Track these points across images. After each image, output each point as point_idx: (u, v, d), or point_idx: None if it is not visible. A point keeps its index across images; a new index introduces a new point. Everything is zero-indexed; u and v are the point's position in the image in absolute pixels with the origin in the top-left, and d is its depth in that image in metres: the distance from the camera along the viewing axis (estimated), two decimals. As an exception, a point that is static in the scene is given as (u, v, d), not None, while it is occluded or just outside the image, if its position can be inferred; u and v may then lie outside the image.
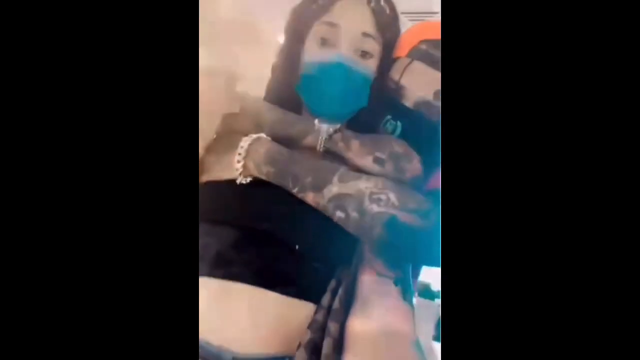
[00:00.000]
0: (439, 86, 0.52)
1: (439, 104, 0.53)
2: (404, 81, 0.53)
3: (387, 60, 0.54)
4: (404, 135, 0.54)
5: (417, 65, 0.53)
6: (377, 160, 0.48)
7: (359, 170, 0.48)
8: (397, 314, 0.42)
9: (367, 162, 0.48)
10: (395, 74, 0.54)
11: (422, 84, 0.53)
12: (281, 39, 0.56)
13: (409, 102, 0.54)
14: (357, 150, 0.49)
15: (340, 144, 0.49)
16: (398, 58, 0.54)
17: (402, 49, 0.55)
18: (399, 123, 0.54)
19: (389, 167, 0.48)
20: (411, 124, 0.53)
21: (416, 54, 0.53)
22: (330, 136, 0.49)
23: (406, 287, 0.45)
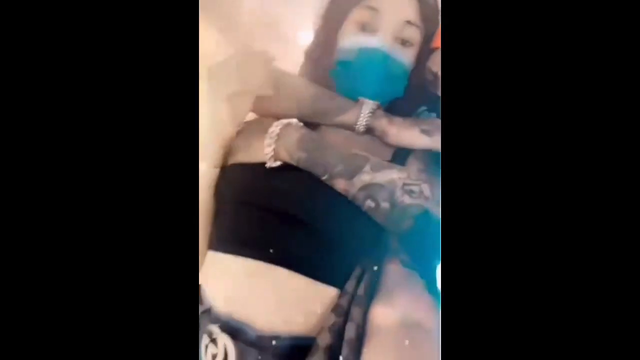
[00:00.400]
0: None
1: None
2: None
3: (426, 51, 0.52)
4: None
5: None
6: (424, 132, 0.46)
7: (403, 147, 0.47)
8: (421, 306, 0.41)
9: (414, 133, 0.46)
10: (433, 65, 0.52)
11: None
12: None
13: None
14: (400, 125, 0.47)
15: (383, 120, 0.47)
16: (436, 49, 0.52)
17: (440, 39, 0.53)
18: (434, 115, 0.52)
19: (436, 140, 0.46)
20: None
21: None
22: (373, 112, 0.48)
23: (432, 281, 0.44)
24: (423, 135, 0.47)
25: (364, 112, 0.47)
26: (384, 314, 0.42)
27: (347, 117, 0.48)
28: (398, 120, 0.48)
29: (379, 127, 0.48)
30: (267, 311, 0.41)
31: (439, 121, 0.49)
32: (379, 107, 0.49)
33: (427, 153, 0.48)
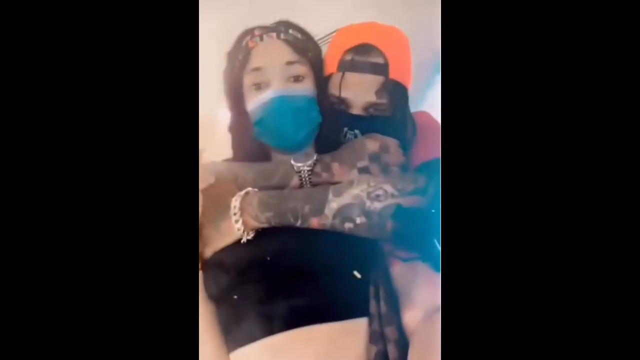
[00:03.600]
0: (377, 86, 0.55)
1: (385, 100, 0.55)
2: (344, 94, 0.56)
3: (320, 77, 0.57)
4: (364, 132, 0.55)
5: (350, 76, 0.55)
6: (362, 170, 0.50)
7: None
8: (434, 289, 0.42)
9: (353, 176, 0.50)
10: (334, 89, 0.56)
11: (361, 91, 0.55)
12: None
13: (357, 110, 0.56)
14: (340, 171, 0.50)
15: (324, 175, 0.51)
16: (331, 75, 0.57)
17: (331, 65, 0.58)
18: (357, 132, 0.56)
19: (374, 169, 0.49)
20: (368, 128, 0.55)
21: (345, 66, 0.56)
22: (311, 171, 0.51)
23: (435, 258, 0.45)
24: (362, 175, 0.49)
25: (304, 176, 0.51)
26: (412, 316, 0.42)
27: (293, 183, 0.51)
28: (336, 167, 0.51)
29: (323, 181, 0.51)
30: None
31: (373, 137, 0.52)
32: (315, 163, 0.51)
33: (377, 154, 0.51)
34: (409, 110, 0.59)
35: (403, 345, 0.42)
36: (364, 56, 0.56)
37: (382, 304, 0.44)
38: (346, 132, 0.56)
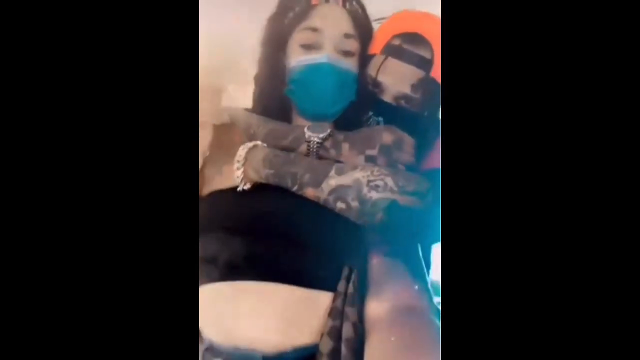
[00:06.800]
0: (414, 80, 0.54)
1: (418, 95, 0.55)
2: (380, 78, 0.55)
3: (365, 57, 0.56)
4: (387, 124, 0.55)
5: (392, 62, 0.55)
6: (368, 158, 0.50)
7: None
8: (409, 290, 0.43)
9: (359, 162, 0.50)
10: (372, 71, 0.56)
11: (398, 80, 0.55)
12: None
13: (388, 97, 0.55)
14: (348, 153, 0.50)
15: (332, 151, 0.51)
16: (373, 55, 0.56)
17: (377, 45, 0.57)
18: (380, 119, 0.56)
19: (381, 162, 0.49)
20: (393, 118, 0.54)
21: (389, 50, 0.55)
22: (320, 144, 0.51)
23: (416, 265, 0.46)
24: (367, 163, 0.49)
25: (313, 147, 0.51)
26: (377, 307, 0.43)
27: (301, 149, 0.51)
28: (345, 148, 0.50)
29: (330, 156, 0.51)
30: (268, 331, 0.42)
31: (391, 129, 0.51)
32: (325, 138, 0.51)
33: (388, 147, 0.50)
34: (439, 112, 0.58)
35: (359, 329, 0.43)
36: (411, 45, 0.54)
37: (350, 285, 0.45)
38: (370, 117, 0.56)
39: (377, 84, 0.55)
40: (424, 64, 0.54)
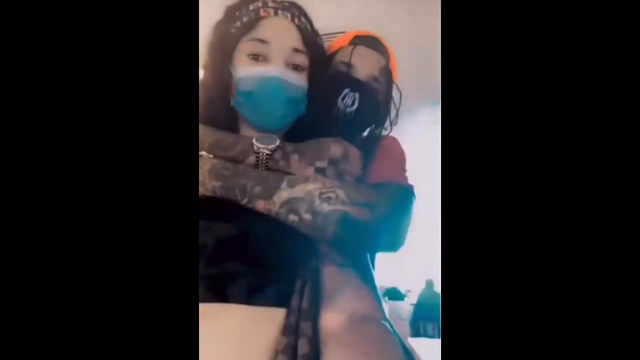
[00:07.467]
0: (380, 65, 0.65)
1: (383, 79, 0.65)
2: (353, 61, 0.63)
3: (315, 72, 0.57)
4: (360, 106, 0.62)
5: (361, 49, 0.64)
6: (318, 170, 0.50)
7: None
8: (361, 298, 0.44)
9: (309, 173, 0.50)
10: (344, 58, 0.64)
11: (369, 63, 0.64)
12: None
13: (361, 77, 0.64)
14: (297, 165, 0.50)
15: (281, 162, 0.50)
16: (340, 48, 0.66)
17: (340, 43, 0.67)
18: (357, 94, 0.62)
19: (330, 173, 0.50)
20: (367, 97, 0.63)
21: (357, 41, 0.65)
22: (270, 156, 0.50)
23: (366, 272, 0.47)
24: (317, 175, 0.50)
25: (261, 159, 0.50)
26: (332, 319, 0.43)
27: (249, 162, 0.50)
28: (294, 160, 0.51)
29: (279, 168, 0.50)
30: (221, 352, 0.40)
31: (339, 142, 0.53)
32: (274, 150, 0.51)
33: (337, 160, 0.52)
34: (392, 103, 0.68)
35: (314, 343, 0.42)
36: (372, 41, 0.66)
37: (304, 299, 0.44)
38: (347, 94, 0.62)
39: (350, 66, 0.63)
40: (384, 53, 0.66)
